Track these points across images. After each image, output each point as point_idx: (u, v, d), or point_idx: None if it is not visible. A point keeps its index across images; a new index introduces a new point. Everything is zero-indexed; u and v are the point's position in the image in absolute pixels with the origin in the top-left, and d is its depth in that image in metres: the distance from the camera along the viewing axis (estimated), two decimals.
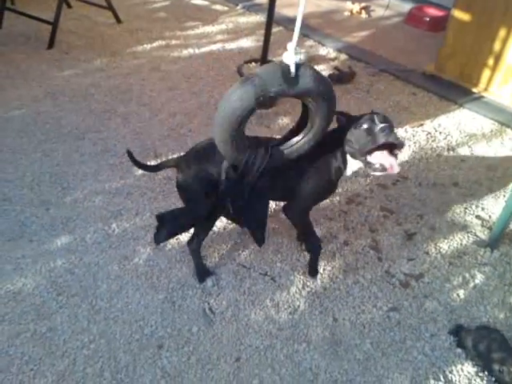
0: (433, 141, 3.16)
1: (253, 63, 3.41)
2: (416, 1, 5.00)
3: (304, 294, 2.13)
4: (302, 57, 1.63)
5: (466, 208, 2.64)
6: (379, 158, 1.75)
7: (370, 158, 1.76)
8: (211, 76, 3.66)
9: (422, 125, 3.31)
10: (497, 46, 3.40)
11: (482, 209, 2.65)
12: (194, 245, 2.08)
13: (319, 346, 1.92)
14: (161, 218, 1.91)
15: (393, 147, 1.74)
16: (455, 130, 3.29)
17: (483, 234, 2.48)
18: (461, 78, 3.65)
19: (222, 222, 2.42)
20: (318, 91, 1.67)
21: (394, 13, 4.93)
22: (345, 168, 1.92)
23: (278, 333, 1.96)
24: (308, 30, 4.38)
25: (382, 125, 1.71)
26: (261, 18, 4.53)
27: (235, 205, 1.86)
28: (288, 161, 1.83)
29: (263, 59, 3.26)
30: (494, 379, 1.83)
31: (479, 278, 2.26)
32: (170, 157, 2.66)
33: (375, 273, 2.25)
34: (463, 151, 3.09)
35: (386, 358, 1.90)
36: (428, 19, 4.59)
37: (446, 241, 2.44)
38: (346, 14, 4.90)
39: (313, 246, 2.17)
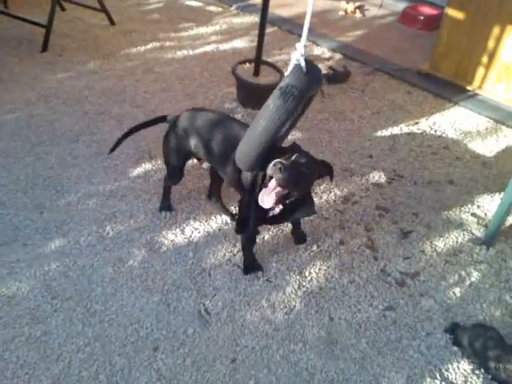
0: (428, 139, 3.16)
1: (247, 64, 3.41)
2: (410, 0, 5.00)
3: (300, 293, 2.12)
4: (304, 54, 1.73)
5: (461, 206, 2.64)
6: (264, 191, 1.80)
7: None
8: (205, 77, 3.66)
9: (417, 123, 3.31)
10: (491, 43, 3.40)
11: (478, 206, 2.64)
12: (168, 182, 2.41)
13: (315, 346, 1.92)
14: None
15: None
16: (450, 128, 3.29)
17: (479, 232, 2.48)
18: (455, 77, 3.66)
19: (216, 223, 2.42)
20: (321, 79, 1.79)
21: (388, 12, 4.93)
22: None
23: (274, 333, 1.96)
24: (302, 30, 4.36)
25: (277, 160, 1.73)
26: (255, 18, 4.52)
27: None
28: None
29: (257, 60, 3.26)
30: (490, 377, 1.83)
31: (475, 275, 2.25)
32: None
33: (371, 272, 2.24)
34: (458, 149, 3.09)
35: (382, 356, 1.90)
36: (422, 18, 4.59)
37: (441, 239, 2.43)
38: (341, 13, 4.90)
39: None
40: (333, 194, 2.67)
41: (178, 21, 4.52)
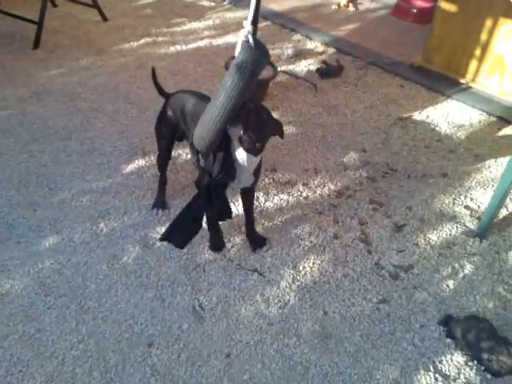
0: (421, 132, 3.17)
1: None
2: None
3: (294, 288, 2.13)
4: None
5: (454, 199, 2.65)
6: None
7: None
8: (199, 72, 3.64)
9: (410, 117, 3.31)
10: (484, 36, 3.41)
11: (471, 199, 2.65)
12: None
13: (309, 340, 1.92)
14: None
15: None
16: (443, 121, 3.29)
17: (472, 225, 2.49)
18: (448, 70, 3.66)
19: None
20: (269, 55, 1.86)
21: (381, 5, 4.92)
22: None
23: (268, 328, 1.96)
24: (295, 24, 4.36)
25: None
26: (247, 13, 4.50)
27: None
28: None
29: None
30: (483, 368, 1.84)
31: (468, 268, 2.26)
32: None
33: (365, 265, 2.25)
34: (452, 142, 3.10)
35: (376, 349, 1.91)
36: (415, 11, 4.58)
37: (435, 232, 2.44)
38: (334, 7, 4.88)
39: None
40: (327, 188, 2.67)
41: (171, 16, 4.50)
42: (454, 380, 1.82)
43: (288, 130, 3.06)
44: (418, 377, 1.82)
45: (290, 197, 2.60)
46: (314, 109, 3.31)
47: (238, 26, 4.34)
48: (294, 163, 2.83)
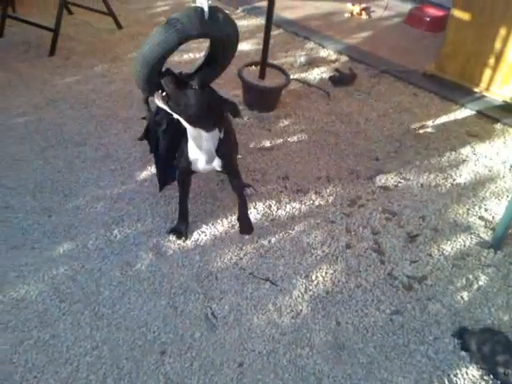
0: (434, 141, 3.15)
1: (253, 66, 3.41)
2: (416, 1, 4.99)
3: (306, 297, 2.12)
4: (210, 1, 1.92)
5: (468, 209, 2.63)
6: None
7: None
8: None
9: (423, 125, 3.30)
10: (497, 45, 3.39)
11: (485, 210, 2.63)
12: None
13: (322, 351, 1.92)
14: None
15: None
16: (457, 130, 3.27)
17: (486, 235, 2.47)
18: (462, 78, 3.64)
19: (223, 227, 2.42)
20: (228, 32, 2.03)
21: (394, 13, 4.92)
22: None
23: (281, 337, 1.96)
24: (308, 32, 4.37)
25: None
26: (261, 21, 4.52)
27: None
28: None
29: (263, 62, 3.26)
30: (499, 382, 1.82)
31: (483, 279, 2.24)
32: None
33: (378, 276, 2.24)
34: (465, 151, 3.08)
35: (389, 361, 1.89)
36: (428, 19, 4.58)
37: (448, 242, 2.43)
38: (347, 15, 4.89)
39: (242, 189, 2.42)
40: (339, 196, 2.66)
41: None
42: None
43: (300, 137, 3.07)
44: None
45: (302, 205, 2.59)
46: (326, 117, 3.31)
47: (251, 33, 4.36)
48: (306, 171, 2.83)
